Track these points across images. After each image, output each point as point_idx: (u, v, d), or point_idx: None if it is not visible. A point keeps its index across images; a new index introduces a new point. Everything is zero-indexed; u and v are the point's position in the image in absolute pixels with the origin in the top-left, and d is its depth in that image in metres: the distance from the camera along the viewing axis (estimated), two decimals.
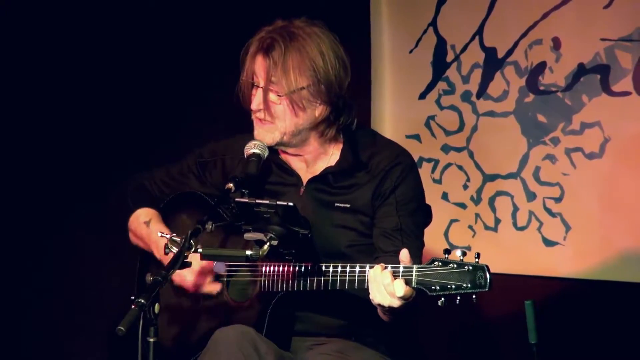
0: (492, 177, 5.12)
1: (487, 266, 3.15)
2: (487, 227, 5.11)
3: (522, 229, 5.02)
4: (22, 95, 5.49)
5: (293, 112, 3.59)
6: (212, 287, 3.68)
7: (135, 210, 3.88)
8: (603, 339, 4.77)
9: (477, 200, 5.15)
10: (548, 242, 4.97)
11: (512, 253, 4.96)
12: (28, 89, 5.49)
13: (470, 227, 5.15)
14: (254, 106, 3.63)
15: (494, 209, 5.10)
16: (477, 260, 3.17)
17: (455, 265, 3.18)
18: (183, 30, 5.47)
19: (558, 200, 4.95)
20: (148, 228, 3.78)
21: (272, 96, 3.59)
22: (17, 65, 5.45)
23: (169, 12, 5.48)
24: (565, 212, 4.93)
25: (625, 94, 4.77)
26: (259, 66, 3.60)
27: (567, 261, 4.90)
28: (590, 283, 4.83)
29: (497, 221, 5.10)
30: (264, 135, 3.63)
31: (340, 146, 3.71)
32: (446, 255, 3.20)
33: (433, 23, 5.24)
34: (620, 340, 4.74)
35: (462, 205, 5.19)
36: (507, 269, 4.89)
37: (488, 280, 3.14)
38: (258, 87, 3.61)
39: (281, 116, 3.60)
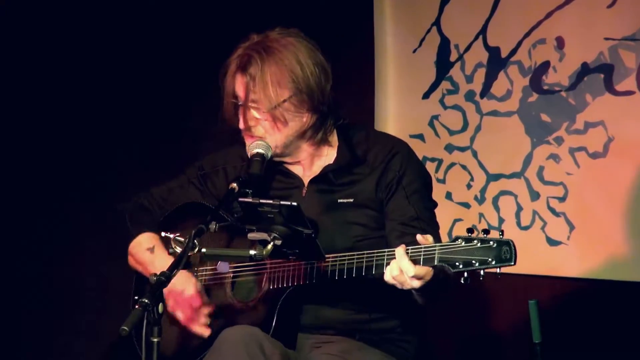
0: (496, 177, 5.12)
1: (512, 241, 3.17)
2: (490, 227, 5.03)
3: (525, 228, 5.02)
4: (24, 98, 5.51)
5: (278, 127, 3.60)
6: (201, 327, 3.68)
7: (136, 236, 3.84)
8: (607, 338, 4.77)
9: (480, 200, 5.15)
10: (552, 242, 4.96)
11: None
12: (31, 94, 5.51)
13: (473, 226, 5.12)
14: (240, 126, 3.63)
15: (497, 209, 5.10)
16: (501, 236, 3.18)
17: (478, 242, 3.19)
18: (184, 35, 5.48)
19: (562, 199, 4.94)
20: (152, 254, 3.76)
21: (255, 114, 3.60)
22: (19, 67, 5.47)
23: (171, 19, 5.49)
24: (569, 212, 4.92)
25: (629, 93, 4.76)
26: (239, 85, 3.61)
27: (571, 261, 4.89)
28: (594, 282, 4.83)
29: (501, 221, 5.09)
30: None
31: (336, 145, 3.73)
32: (469, 234, 3.20)
33: (437, 22, 5.24)
34: (624, 339, 4.74)
35: (466, 205, 5.19)
36: (510, 268, 4.82)
37: (514, 254, 3.15)
38: (241, 106, 3.62)
39: (269, 131, 3.61)
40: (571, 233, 4.91)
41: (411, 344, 3.73)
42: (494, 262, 3.16)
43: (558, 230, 4.94)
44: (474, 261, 3.18)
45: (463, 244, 3.21)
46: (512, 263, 3.16)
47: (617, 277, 4.77)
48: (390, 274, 3.27)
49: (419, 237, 3.28)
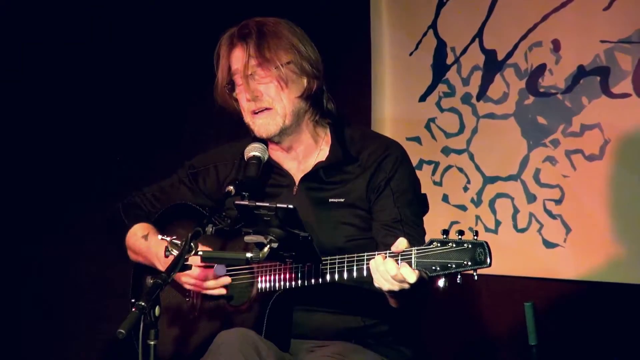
0: (493, 179, 5.12)
1: (486, 242, 3.16)
2: (487, 229, 5.11)
3: (522, 230, 5.03)
4: (26, 101, 5.52)
5: (286, 87, 3.61)
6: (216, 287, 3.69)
7: (130, 227, 3.87)
8: (603, 341, 4.77)
9: (477, 202, 5.16)
10: (548, 244, 4.97)
11: (512, 255, 4.96)
12: (33, 96, 5.53)
13: (470, 229, 5.13)
14: (248, 96, 3.62)
15: (494, 211, 5.11)
16: (475, 237, 3.18)
17: (454, 245, 3.18)
18: (181, 36, 5.49)
19: (558, 202, 4.95)
20: (147, 241, 3.77)
21: (262, 76, 3.60)
22: (20, 71, 5.48)
23: (169, 20, 5.50)
24: (566, 214, 4.93)
25: (625, 95, 4.77)
26: (238, 58, 3.63)
27: (568, 263, 4.90)
28: (590, 285, 4.83)
29: (498, 223, 5.10)
30: (268, 124, 3.63)
31: (329, 142, 3.73)
32: (444, 236, 3.20)
33: (433, 25, 5.25)
34: (620, 342, 4.75)
35: (463, 208, 5.20)
36: (507, 270, 4.89)
37: (488, 256, 3.15)
38: (245, 78, 3.62)
39: (276, 97, 3.62)
40: (567, 235, 4.92)
41: (408, 348, 3.73)
42: (470, 264, 3.16)
43: (554, 232, 4.95)
44: (449, 264, 3.18)
45: (439, 246, 3.21)
46: (487, 265, 3.15)
47: (613, 279, 4.78)
48: (390, 288, 3.26)
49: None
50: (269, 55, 3.58)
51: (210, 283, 3.67)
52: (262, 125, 3.64)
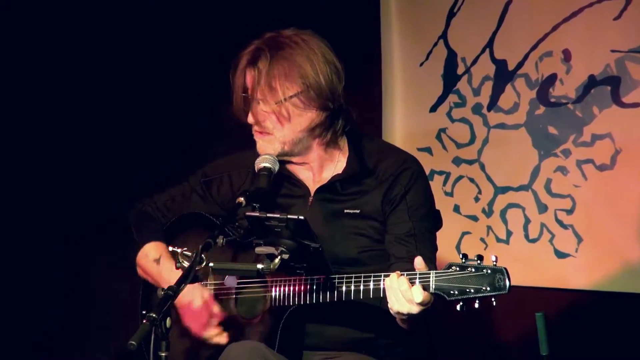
0: (504, 190, 5.12)
1: (505, 269, 3.17)
2: (498, 240, 5.11)
3: (533, 241, 5.02)
4: (31, 108, 5.54)
5: (286, 121, 3.59)
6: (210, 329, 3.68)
7: (142, 246, 3.82)
8: (614, 351, 4.76)
9: (488, 213, 5.15)
10: (560, 254, 4.96)
11: (523, 265, 4.95)
12: (39, 104, 5.54)
13: (482, 239, 5.15)
14: (249, 120, 3.63)
15: (505, 221, 5.10)
16: (494, 263, 3.19)
17: (473, 269, 3.19)
18: (193, 39, 5.50)
19: (570, 212, 4.94)
20: (158, 266, 3.74)
21: (263, 107, 3.59)
22: (28, 79, 5.51)
23: (180, 22, 5.51)
24: (577, 224, 4.92)
25: (636, 105, 4.77)
26: (248, 79, 3.61)
27: (579, 273, 4.89)
28: (602, 295, 4.83)
29: (509, 233, 5.10)
30: (265, 147, 3.62)
31: (346, 153, 3.71)
32: (463, 260, 3.21)
33: (443, 36, 5.25)
34: (632, 352, 4.73)
35: (474, 218, 5.19)
36: (518, 281, 4.82)
37: (507, 283, 3.16)
38: (249, 99, 3.61)
39: (277, 126, 3.60)
40: (579, 245, 4.91)
41: (419, 358, 3.73)
42: (489, 290, 3.17)
43: (566, 242, 4.94)
44: (468, 289, 3.19)
45: (457, 270, 3.21)
46: (506, 292, 3.17)
47: (625, 289, 4.77)
48: (399, 309, 3.27)
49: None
50: (274, 85, 3.55)
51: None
52: (260, 147, 3.64)
